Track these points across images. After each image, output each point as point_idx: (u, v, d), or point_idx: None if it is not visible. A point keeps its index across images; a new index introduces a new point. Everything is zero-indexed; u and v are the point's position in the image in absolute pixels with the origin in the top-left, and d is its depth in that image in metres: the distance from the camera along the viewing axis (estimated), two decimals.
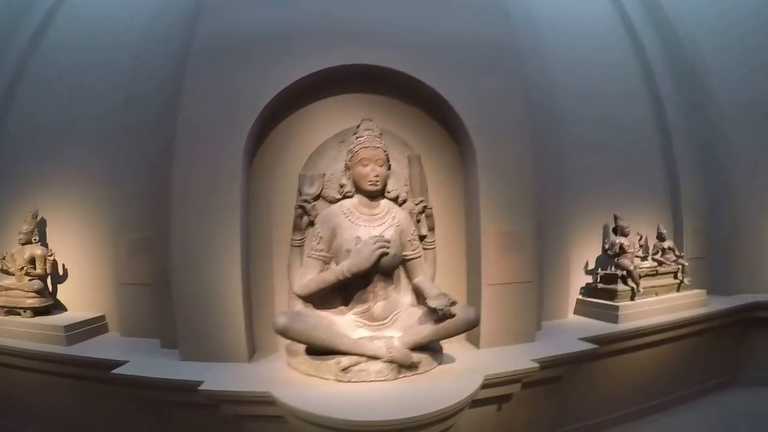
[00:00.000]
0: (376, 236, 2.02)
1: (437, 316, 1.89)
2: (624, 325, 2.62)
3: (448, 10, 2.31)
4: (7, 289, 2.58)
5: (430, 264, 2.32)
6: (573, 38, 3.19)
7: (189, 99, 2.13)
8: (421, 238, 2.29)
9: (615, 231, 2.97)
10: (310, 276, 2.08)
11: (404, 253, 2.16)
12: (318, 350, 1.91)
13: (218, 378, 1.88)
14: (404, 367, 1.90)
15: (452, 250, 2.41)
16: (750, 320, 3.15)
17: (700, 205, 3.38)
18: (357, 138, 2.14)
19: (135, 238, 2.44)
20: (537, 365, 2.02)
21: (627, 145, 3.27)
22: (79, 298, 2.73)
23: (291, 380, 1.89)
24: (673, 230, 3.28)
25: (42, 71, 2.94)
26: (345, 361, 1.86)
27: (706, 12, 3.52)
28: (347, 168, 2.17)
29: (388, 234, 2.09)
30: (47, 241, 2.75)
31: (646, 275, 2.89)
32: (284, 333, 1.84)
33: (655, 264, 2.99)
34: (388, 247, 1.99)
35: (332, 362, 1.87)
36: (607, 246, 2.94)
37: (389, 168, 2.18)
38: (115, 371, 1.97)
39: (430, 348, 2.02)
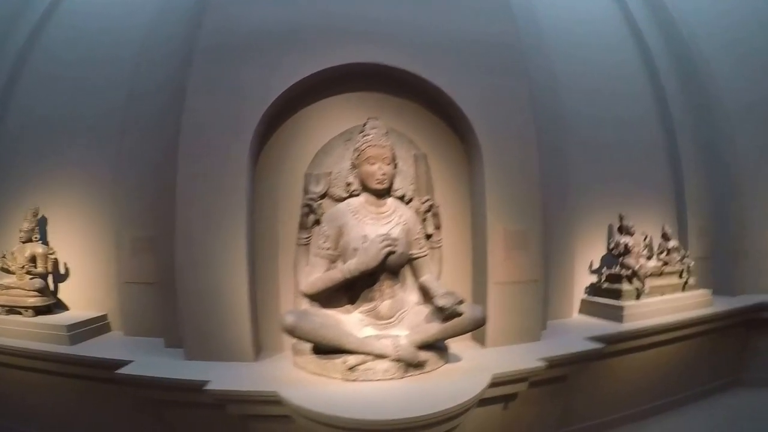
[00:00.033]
0: (383, 235, 2.04)
1: (444, 314, 1.91)
2: (629, 325, 2.66)
3: (453, 9, 2.34)
4: (7, 287, 2.59)
5: (436, 263, 2.35)
6: (577, 38, 3.23)
7: (193, 96, 2.15)
8: (428, 236, 2.31)
9: (620, 230, 3.00)
10: (316, 274, 2.11)
11: (411, 252, 2.18)
12: (325, 349, 1.93)
13: (224, 378, 1.90)
14: (411, 365, 1.92)
15: (458, 248, 2.44)
16: (755, 321, 3.18)
17: (704, 204, 3.42)
18: (364, 136, 2.16)
19: (138, 237, 2.46)
20: (544, 364, 2.05)
21: (632, 144, 3.31)
22: (80, 297, 2.74)
23: (298, 379, 1.91)
24: (677, 230, 3.32)
25: (42, 67, 2.96)
26: (352, 360, 1.88)
27: (709, 12, 3.56)
28: (354, 166, 2.20)
29: (395, 232, 2.11)
30: (48, 240, 2.76)
31: (651, 275, 2.93)
32: (292, 332, 1.86)
33: (660, 264, 3.03)
34: (395, 246, 2.02)
35: (339, 361, 1.89)
36: (612, 245, 2.98)
37: (396, 166, 2.21)
38: (120, 371, 1.98)
39: (437, 347, 2.04)
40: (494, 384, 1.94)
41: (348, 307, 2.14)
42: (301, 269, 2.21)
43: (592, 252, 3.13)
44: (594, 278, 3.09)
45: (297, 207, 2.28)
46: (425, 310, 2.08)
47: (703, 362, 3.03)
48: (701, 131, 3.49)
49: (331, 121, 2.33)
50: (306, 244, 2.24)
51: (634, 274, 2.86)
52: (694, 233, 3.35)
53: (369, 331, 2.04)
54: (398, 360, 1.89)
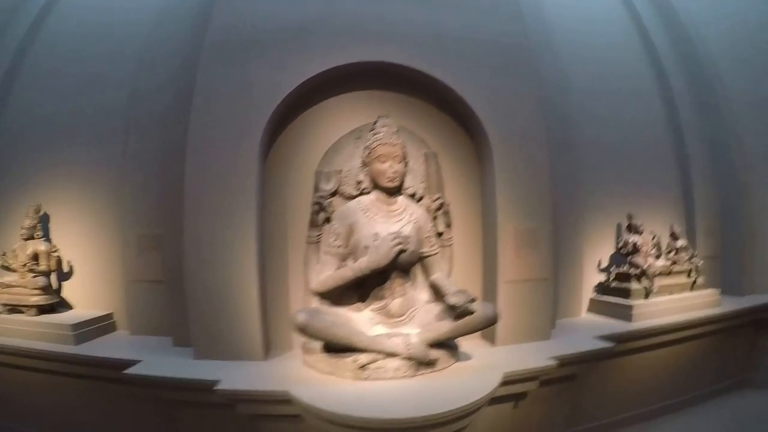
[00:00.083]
0: (395, 233, 2.08)
1: (456, 312, 1.95)
2: (638, 324, 2.71)
3: (463, 8, 2.39)
4: (9, 286, 2.59)
5: (446, 261, 2.39)
6: (584, 37, 3.28)
7: (201, 94, 2.18)
8: (438, 234, 2.36)
9: (629, 229, 3.06)
10: (327, 272, 2.15)
11: (422, 250, 2.23)
12: (335, 348, 1.96)
13: (234, 377, 1.93)
14: (423, 364, 1.95)
15: (468, 246, 2.49)
16: (763, 321, 3.24)
17: (713, 203, 3.49)
18: (374, 134, 2.20)
19: (144, 234, 2.48)
20: (555, 363, 2.09)
21: (640, 144, 3.37)
22: (84, 296, 2.77)
23: (308, 379, 1.94)
24: (686, 229, 3.38)
25: (42, 61, 2.97)
26: (363, 358, 1.91)
27: (716, 12, 3.62)
28: (364, 164, 2.24)
29: (406, 230, 2.15)
30: (51, 237, 2.78)
31: (660, 274, 2.98)
32: (303, 330, 1.89)
33: (669, 263, 3.09)
34: (406, 244, 2.06)
35: (350, 360, 1.92)
36: (620, 244, 3.03)
37: (407, 165, 2.25)
38: (129, 371, 2.00)
39: (447, 345, 2.08)
40: (505, 383, 1.98)
41: (358, 305, 2.17)
42: (312, 267, 2.25)
43: (601, 251, 3.18)
44: (602, 277, 3.15)
45: (306, 205, 2.32)
46: (436, 308, 2.12)
47: (712, 362, 3.10)
48: (709, 131, 3.55)
49: (341, 119, 2.37)
50: (316, 242, 2.28)
51: (643, 273, 2.91)
52: (703, 232, 3.41)
53: (379, 330, 2.07)
54: (409, 358, 1.93)
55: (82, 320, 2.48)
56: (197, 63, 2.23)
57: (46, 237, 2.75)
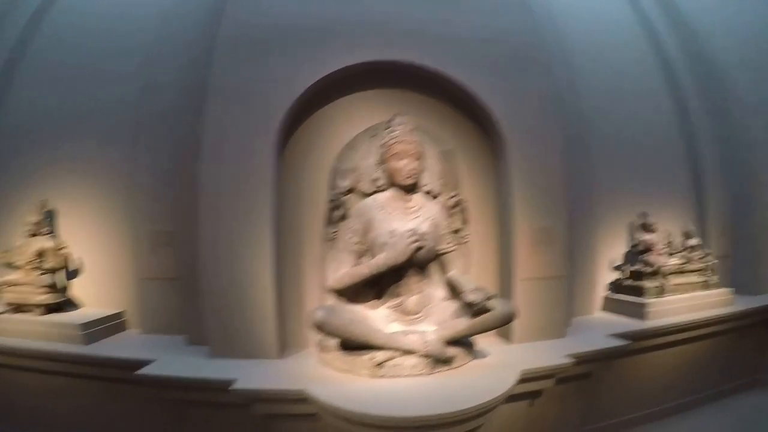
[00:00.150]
0: (412, 229, 2.15)
1: (474, 310, 2.02)
2: (653, 322, 2.80)
3: (477, 7, 2.47)
4: (14, 284, 2.59)
5: (463, 258, 2.46)
6: (594, 36, 3.36)
7: (216, 90, 2.23)
8: (455, 232, 2.42)
9: (642, 228, 3.14)
10: (344, 270, 2.21)
11: (438, 247, 2.29)
12: (352, 345, 2.01)
13: (251, 376, 1.97)
14: (439, 361, 2.00)
15: (483, 244, 2.57)
16: None
17: (725, 202, 3.57)
18: (391, 132, 2.27)
19: (157, 231, 2.52)
20: (572, 361, 2.16)
21: (651, 142, 3.45)
22: (93, 294, 2.79)
23: (325, 377, 1.99)
24: (698, 228, 3.46)
25: (46, 54, 3.00)
26: (380, 356, 1.96)
27: (723, 9, 3.70)
28: (381, 162, 2.30)
29: (423, 227, 2.21)
30: (58, 234, 2.79)
31: (673, 273, 3.06)
32: (321, 328, 1.94)
33: (682, 261, 3.17)
34: (424, 241, 2.12)
35: (366, 357, 1.97)
36: (634, 243, 3.11)
37: (423, 162, 2.31)
38: (143, 371, 2.02)
39: (464, 343, 2.14)
40: (521, 380, 2.04)
41: (374, 302, 2.23)
42: (328, 264, 2.30)
43: (614, 249, 3.26)
44: (615, 275, 3.23)
45: (322, 202, 2.38)
46: (452, 305, 2.18)
47: (724, 361, 3.18)
48: (721, 129, 3.63)
49: (356, 117, 2.43)
50: (333, 239, 2.34)
51: (657, 271, 2.99)
52: (715, 232, 3.50)
53: (395, 327, 2.12)
54: (427, 356, 1.98)
55: (92, 319, 2.48)
56: (210, 58, 2.29)
57: (53, 233, 2.76)
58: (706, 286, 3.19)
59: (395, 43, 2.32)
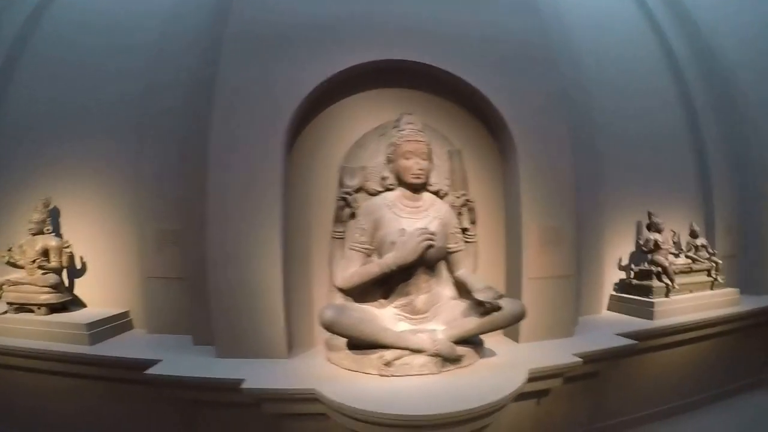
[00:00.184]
0: (422, 228, 2.17)
1: (484, 309, 2.04)
2: (660, 322, 2.84)
3: (484, 7, 2.50)
4: (16, 283, 2.59)
5: (471, 257, 2.49)
6: (600, 34, 3.39)
7: (223, 89, 2.25)
8: (463, 231, 2.45)
9: (649, 227, 3.17)
10: (352, 269, 2.24)
11: (447, 246, 2.32)
12: (361, 344, 2.03)
13: (259, 376, 1.98)
14: (449, 360, 2.03)
15: (491, 243, 2.60)
16: None
17: (732, 202, 3.62)
18: (399, 131, 2.30)
19: (163, 230, 2.54)
20: (580, 360, 2.20)
21: (658, 141, 3.49)
22: (98, 294, 2.81)
23: (333, 376, 2.01)
24: (704, 228, 3.50)
25: (49, 50, 3.00)
26: (388, 355, 1.99)
27: (729, 7, 3.73)
28: (389, 161, 2.33)
29: (432, 227, 2.24)
30: (61, 232, 2.81)
31: (680, 272, 3.11)
32: (330, 327, 1.95)
33: (689, 261, 3.21)
34: (433, 240, 2.15)
35: (375, 357, 1.99)
36: (641, 242, 3.15)
37: (432, 162, 2.34)
38: (150, 371, 2.02)
39: (472, 342, 2.17)
40: (530, 379, 2.06)
41: (381, 301, 2.26)
42: (336, 263, 2.33)
43: (620, 249, 3.30)
44: (622, 275, 3.28)
45: (330, 200, 2.40)
46: (460, 304, 2.21)
47: (731, 360, 3.23)
48: (728, 129, 3.67)
49: (365, 115, 2.46)
50: (341, 238, 2.37)
51: (664, 271, 3.03)
52: (721, 231, 3.54)
53: (403, 326, 2.15)
54: (436, 355, 2.00)
55: (97, 319, 2.49)
56: (216, 56, 2.31)
57: (56, 232, 2.78)
58: (712, 285, 3.24)
59: (403, 42, 2.35)
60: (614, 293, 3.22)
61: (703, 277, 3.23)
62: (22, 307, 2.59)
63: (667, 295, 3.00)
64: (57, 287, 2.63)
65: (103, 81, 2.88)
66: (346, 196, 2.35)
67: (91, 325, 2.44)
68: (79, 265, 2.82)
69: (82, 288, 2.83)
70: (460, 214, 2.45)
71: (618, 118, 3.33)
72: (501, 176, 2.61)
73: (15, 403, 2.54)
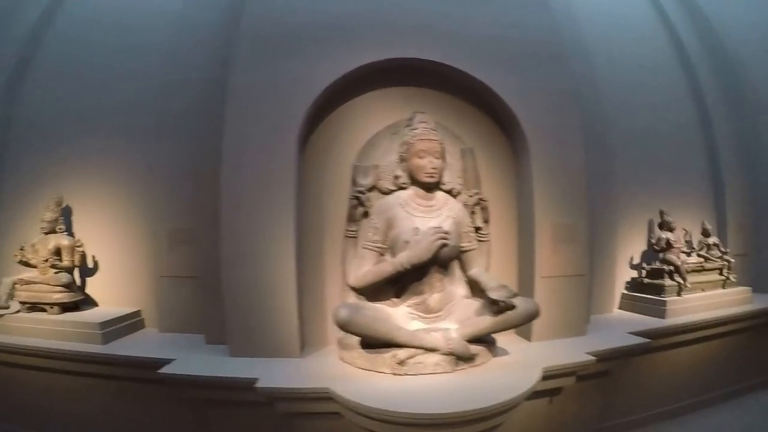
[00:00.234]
0: (435, 227, 2.20)
1: (498, 307, 2.06)
2: (672, 320, 2.86)
3: (496, 5, 2.51)
4: (29, 282, 2.61)
5: (484, 256, 2.51)
6: (612, 31, 3.40)
7: (237, 88, 2.27)
8: (476, 230, 2.48)
9: (661, 226, 3.19)
10: (365, 268, 2.26)
11: (461, 245, 2.34)
12: (375, 343, 2.06)
13: (273, 375, 2.01)
14: (462, 359, 2.05)
15: (503, 242, 2.62)
16: None
17: (743, 201, 3.62)
18: (412, 130, 2.32)
19: (176, 229, 2.56)
20: (593, 358, 2.22)
21: (670, 139, 3.50)
22: (110, 293, 2.84)
23: (347, 375, 2.04)
24: (716, 226, 3.51)
25: (62, 49, 3.03)
26: (402, 353, 2.01)
27: (738, 2, 3.73)
28: (402, 159, 2.35)
29: (446, 225, 2.27)
30: (73, 231, 2.84)
31: (692, 271, 3.12)
32: (345, 326, 1.98)
33: (701, 260, 3.22)
34: (447, 239, 2.17)
35: (388, 355, 2.02)
36: (653, 241, 3.16)
37: (445, 160, 2.36)
38: (163, 370, 2.04)
39: (486, 340, 2.20)
40: (543, 378, 2.09)
41: (394, 300, 2.29)
42: (350, 262, 2.36)
43: (632, 247, 3.32)
44: (634, 273, 3.30)
45: (343, 199, 2.43)
46: (473, 303, 2.24)
47: (742, 359, 3.25)
48: (739, 128, 3.67)
49: (377, 114, 2.48)
50: (354, 237, 2.39)
51: (677, 269, 3.05)
52: (733, 230, 3.55)
53: (417, 325, 2.18)
54: (450, 353, 2.03)
55: (110, 318, 2.52)
56: (229, 56, 2.33)
57: (69, 231, 2.81)
58: (724, 284, 3.25)
59: (415, 40, 2.37)
60: (626, 292, 3.25)
61: (715, 276, 3.25)
62: (34, 307, 2.62)
63: (679, 294, 3.02)
64: (69, 286, 2.66)
65: (115, 80, 2.91)
66: (359, 194, 2.38)
67: (104, 324, 2.46)
68: (91, 264, 2.85)
69: (94, 287, 2.87)
70: (473, 212, 2.48)
71: (629, 115, 3.34)
72: (513, 174, 2.63)
73: (27, 402, 2.58)
